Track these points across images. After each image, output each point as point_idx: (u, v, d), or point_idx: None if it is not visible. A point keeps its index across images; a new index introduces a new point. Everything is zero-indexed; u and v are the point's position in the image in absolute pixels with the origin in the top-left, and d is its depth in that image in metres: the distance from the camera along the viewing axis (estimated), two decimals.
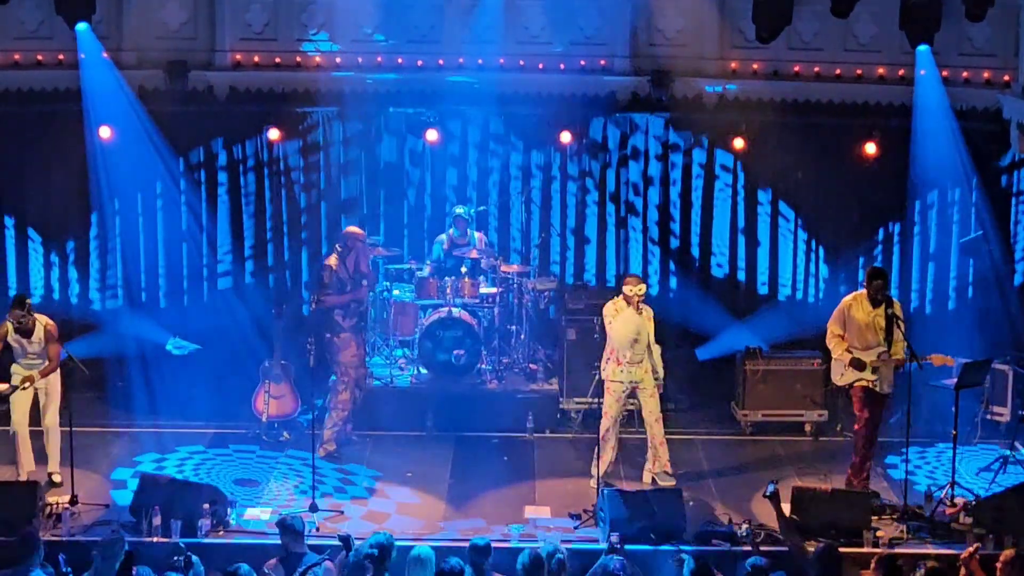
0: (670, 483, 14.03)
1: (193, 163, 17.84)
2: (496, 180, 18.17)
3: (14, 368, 13.81)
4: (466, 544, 10.96)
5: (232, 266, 18.13)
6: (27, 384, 13.58)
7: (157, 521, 12.43)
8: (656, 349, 14.27)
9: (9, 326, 13.66)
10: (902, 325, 13.59)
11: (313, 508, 13.10)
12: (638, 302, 14.01)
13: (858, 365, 13.59)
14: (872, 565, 10.55)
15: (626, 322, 14.02)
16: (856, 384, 13.68)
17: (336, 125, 17.88)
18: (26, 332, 13.68)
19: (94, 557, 10.63)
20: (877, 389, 13.63)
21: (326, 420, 15.11)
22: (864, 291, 13.77)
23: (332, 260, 15.06)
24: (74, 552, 11.33)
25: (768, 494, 12.15)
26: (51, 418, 13.90)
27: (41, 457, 14.00)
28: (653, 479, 14.25)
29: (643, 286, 14.15)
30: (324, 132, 17.94)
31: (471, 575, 10.51)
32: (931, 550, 12.25)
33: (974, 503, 13.17)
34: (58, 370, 13.82)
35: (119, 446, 15.30)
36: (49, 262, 17.88)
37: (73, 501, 13.19)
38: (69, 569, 10.93)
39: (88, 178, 17.26)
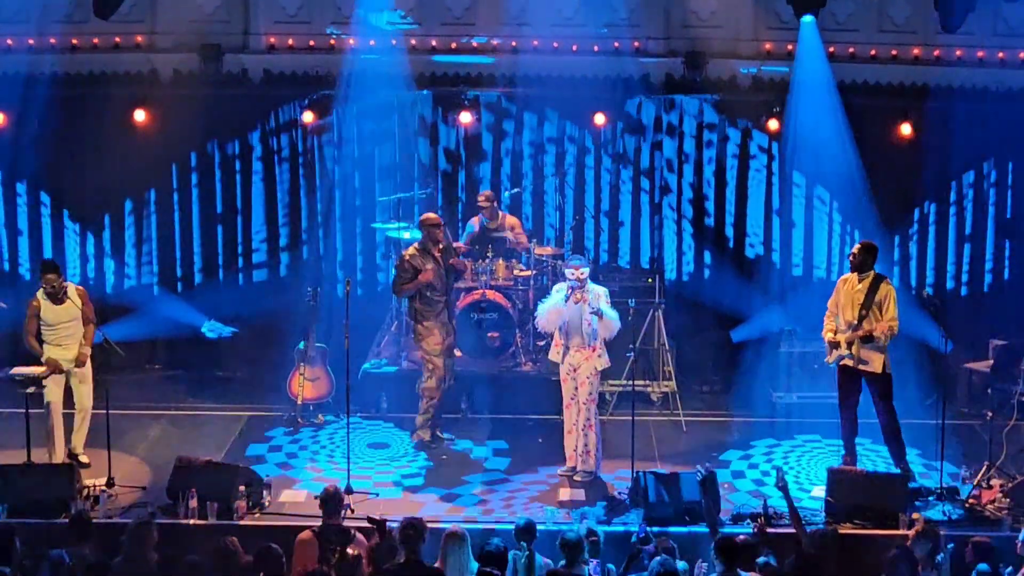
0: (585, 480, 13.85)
1: (227, 146, 17.91)
2: (530, 162, 18.16)
3: (47, 350, 13.65)
4: (498, 526, 11.01)
5: (267, 248, 18.21)
6: (78, 364, 13.61)
7: (193, 503, 12.51)
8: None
9: (41, 299, 13.59)
10: (890, 305, 13.50)
11: (348, 491, 13.11)
12: (572, 287, 13.58)
13: (833, 344, 13.66)
14: (912, 535, 10.67)
15: (552, 308, 13.80)
16: (840, 363, 13.71)
17: (370, 108, 17.88)
18: (58, 298, 13.59)
19: (123, 542, 10.71)
20: (853, 365, 13.61)
21: (419, 406, 15.06)
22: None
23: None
24: (109, 534, 11.40)
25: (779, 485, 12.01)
26: (85, 399, 13.87)
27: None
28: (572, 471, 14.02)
29: (584, 269, 13.67)
30: (358, 114, 17.95)
31: (516, 556, 10.55)
32: (968, 533, 12.17)
33: (1011, 485, 13.10)
34: (89, 351, 13.80)
35: (155, 429, 15.41)
36: (85, 245, 17.99)
37: (110, 483, 13.26)
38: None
39: (124, 162, 17.35)
